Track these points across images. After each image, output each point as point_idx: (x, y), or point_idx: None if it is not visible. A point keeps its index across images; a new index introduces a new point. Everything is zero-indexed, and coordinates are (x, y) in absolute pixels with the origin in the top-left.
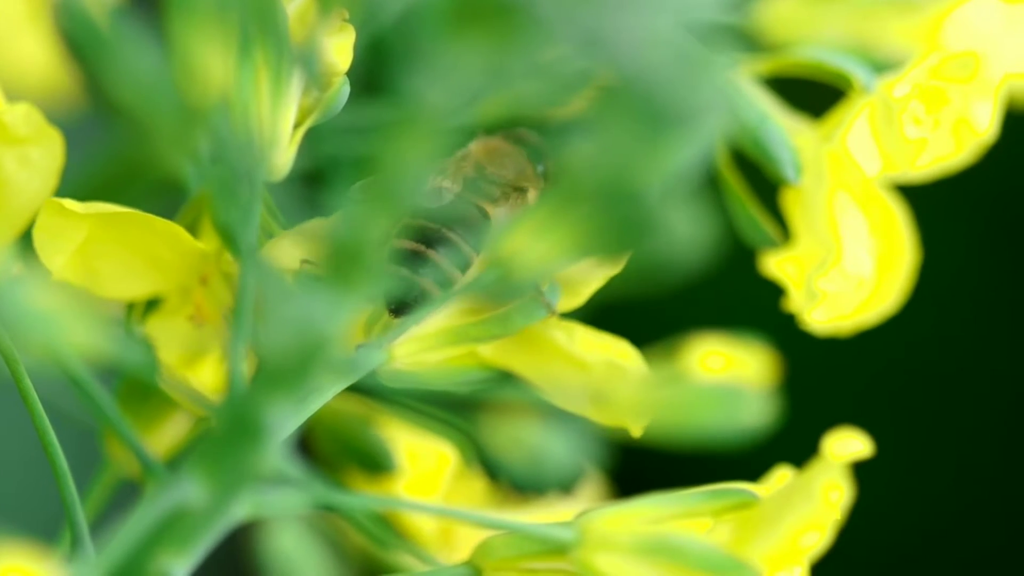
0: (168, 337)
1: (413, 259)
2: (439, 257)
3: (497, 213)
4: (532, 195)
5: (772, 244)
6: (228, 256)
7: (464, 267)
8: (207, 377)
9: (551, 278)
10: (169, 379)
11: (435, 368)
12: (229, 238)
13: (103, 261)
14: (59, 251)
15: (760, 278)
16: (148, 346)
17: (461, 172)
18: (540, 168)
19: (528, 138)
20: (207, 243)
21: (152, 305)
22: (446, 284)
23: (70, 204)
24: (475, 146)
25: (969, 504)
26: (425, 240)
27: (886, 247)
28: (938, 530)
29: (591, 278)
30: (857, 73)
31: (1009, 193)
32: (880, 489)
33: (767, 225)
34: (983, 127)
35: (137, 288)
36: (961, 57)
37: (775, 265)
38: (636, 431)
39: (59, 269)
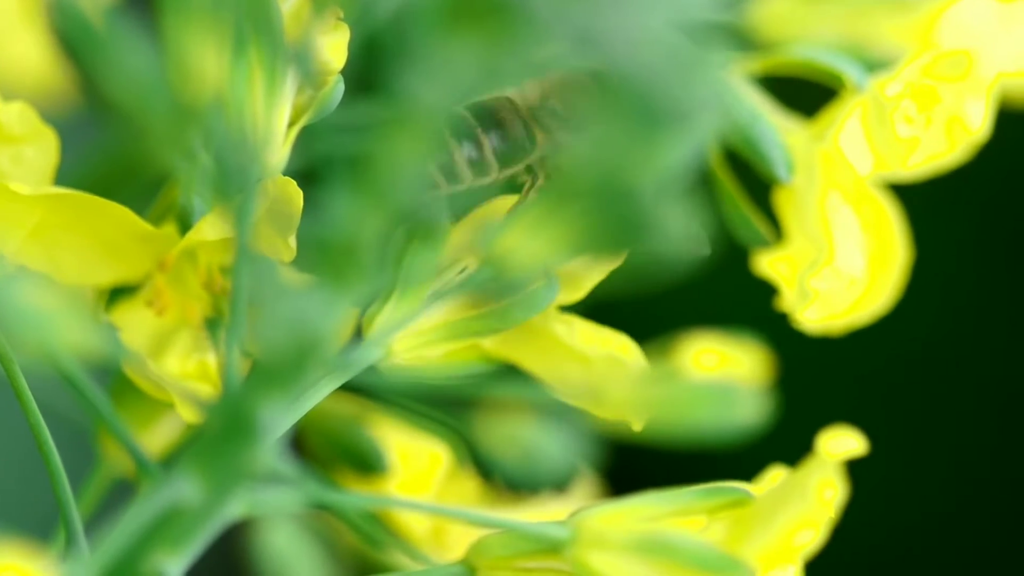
0: (132, 325)
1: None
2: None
3: (544, 143)
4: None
5: (764, 243)
6: (206, 247)
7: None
8: (174, 367)
9: (546, 274)
10: (141, 370)
11: (435, 362)
12: (185, 223)
13: (60, 247)
14: (11, 235)
15: (754, 276)
16: (114, 334)
17: (528, 94)
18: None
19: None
20: (165, 228)
21: (118, 293)
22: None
23: (16, 187)
24: (551, 77)
25: (963, 502)
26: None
27: (878, 246)
28: (932, 528)
29: (592, 271)
30: (849, 72)
31: (1004, 191)
32: (874, 487)
33: (759, 224)
34: (975, 126)
35: (98, 274)
36: (953, 55)
37: (767, 264)
38: (637, 426)
39: (14, 253)
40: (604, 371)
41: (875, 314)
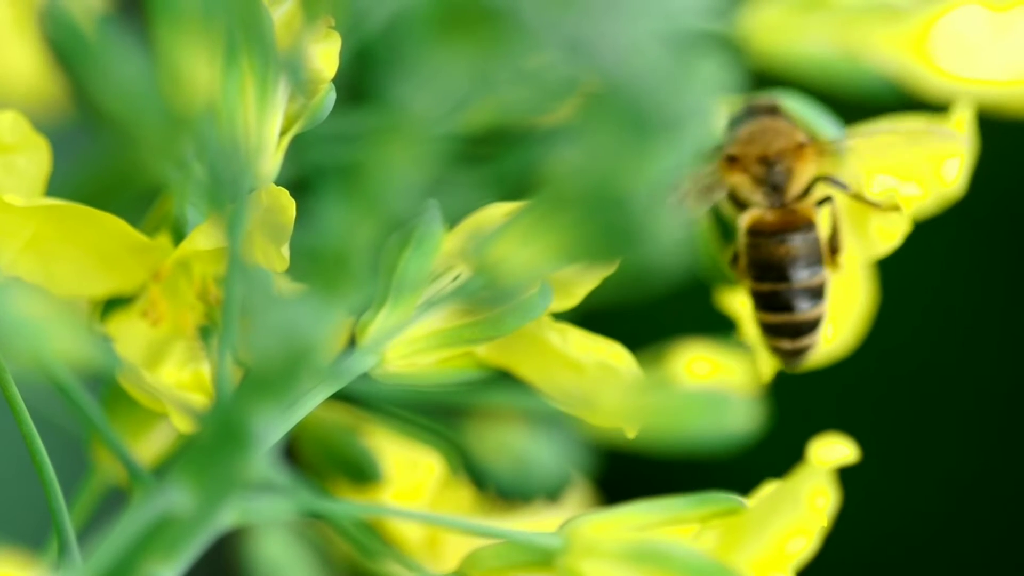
0: (128, 336)
1: None
2: None
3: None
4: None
5: (728, 281)
6: (200, 257)
7: None
8: (169, 377)
9: (537, 283)
10: (135, 380)
11: (429, 370)
12: (179, 233)
13: (55, 258)
14: (5, 247)
15: None
16: (108, 345)
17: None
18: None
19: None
20: (159, 239)
21: (113, 304)
22: None
23: (11, 198)
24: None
25: (954, 508)
26: None
27: (841, 292)
28: (923, 535)
29: (585, 279)
30: (823, 126)
31: (996, 196)
32: (865, 495)
33: (724, 262)
34: (950, 179)
35: (92, 285)
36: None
37: (729, 301)
38: (631, 433)
39: (8, 265)
40: (597, 378)
41: (832, 358)
